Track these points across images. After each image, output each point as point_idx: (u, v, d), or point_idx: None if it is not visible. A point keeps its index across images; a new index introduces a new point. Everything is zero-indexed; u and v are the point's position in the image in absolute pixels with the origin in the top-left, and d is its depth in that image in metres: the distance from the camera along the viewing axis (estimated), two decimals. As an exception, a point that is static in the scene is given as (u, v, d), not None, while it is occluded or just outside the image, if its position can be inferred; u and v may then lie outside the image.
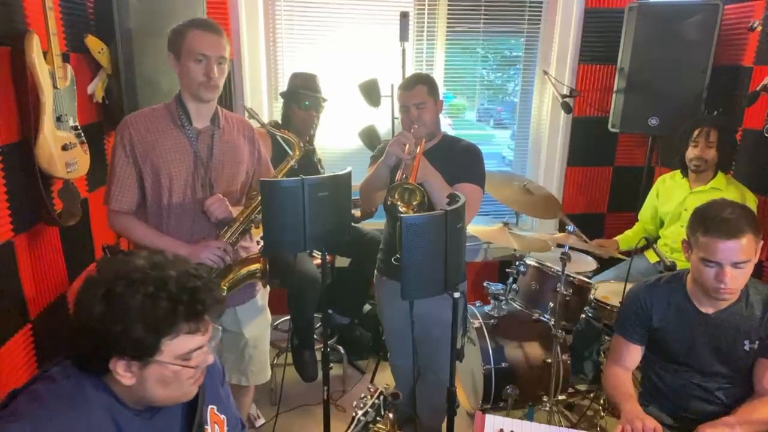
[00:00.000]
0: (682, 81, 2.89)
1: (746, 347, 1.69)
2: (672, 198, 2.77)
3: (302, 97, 2.67)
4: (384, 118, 3.04)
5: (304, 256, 2.67)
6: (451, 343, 1.65)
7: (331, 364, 2.01)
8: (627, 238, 2.99)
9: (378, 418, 1.43)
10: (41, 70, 1.75)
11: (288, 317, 2.88)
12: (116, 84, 2.30)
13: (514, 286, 2.72)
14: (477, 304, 2.87)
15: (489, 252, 3.58)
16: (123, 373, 1.02)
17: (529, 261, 2.67)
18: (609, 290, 2.60)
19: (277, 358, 2.96)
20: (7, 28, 1.73)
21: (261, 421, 2.64)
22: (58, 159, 1.84)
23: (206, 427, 1.20)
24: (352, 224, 2.60)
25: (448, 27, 3.24)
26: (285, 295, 2.66)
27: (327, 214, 1.74)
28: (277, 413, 2.37)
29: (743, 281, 1.64)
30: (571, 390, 2.74)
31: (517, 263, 2.71)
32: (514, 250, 2.73)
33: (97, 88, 2.31)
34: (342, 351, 3.04)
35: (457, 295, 1.58)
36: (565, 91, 3.15)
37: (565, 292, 2.39)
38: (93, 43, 2.24)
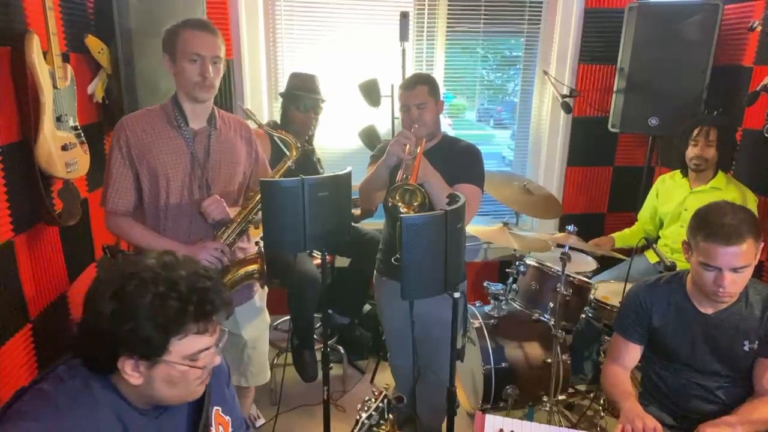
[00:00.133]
0: (682, 81, 2.89)
1: (746, 347, 1.69)
2: (672, 198, 2.77)
3: (300, 99, 2.67)
4: (384, 118, 3.04)
5: (304, 256, 2.67)
6: (450, 343, 1.65)
7: (331, 364, 2.01)
8: (624, 236, 2.99)
9: (381, 422, 1.43)
10: (41, 70, 1.75)
11: (288, 317, 2.88)
12: (116, 84, 2.30)
13: (514, 286, 2.72)
14: (477, 304, 2.87)
15: (489, 252, 3.58)
16: (131, 372, 1.02)
17: (529, 261, 2.67)
18: (609, 290, 2.61)
19: (277, 358, 2.96)
20: (7, 28, 1.73)
21: (261, 421, 2.64)
22: (58, 159, 1.84)
23: (211, 428, 1.20)
24: (352, 224, 2.60)
25: (448, 27, 3.24)
26: (285, 295, 2.66)
27: (327, 214, 1.74)
28: (277, 413, 2.37)
29: (742, 284, 1.64)
30: (571, 390, 2.74)
31: (517, 263, 2.71)
32: (514, 250, 2.72)
33: (97, 88, 2.31)
34: (342, 351, 3.04)
35: (457, 295, 1.58)
36: (565, 91, 3.15)
37: (565, 292, 2.39)
38: (93, 43, 2.24)
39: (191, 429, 1.17)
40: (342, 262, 3.06)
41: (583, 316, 2.60)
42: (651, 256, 2.83)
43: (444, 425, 2.02)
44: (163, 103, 1.83)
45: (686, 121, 2.70)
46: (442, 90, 2.44)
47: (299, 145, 2.01)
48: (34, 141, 1.77)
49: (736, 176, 2.72)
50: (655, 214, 2.90)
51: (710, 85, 2.84)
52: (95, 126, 2.37)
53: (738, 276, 1.59)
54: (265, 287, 2.07)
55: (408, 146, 1.84)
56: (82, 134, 1.99)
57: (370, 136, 3.01)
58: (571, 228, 2.46)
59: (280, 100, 2.81)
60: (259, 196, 1.83)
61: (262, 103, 3.13)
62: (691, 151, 2.61)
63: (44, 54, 1.79)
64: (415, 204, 1.74)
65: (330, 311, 2.78)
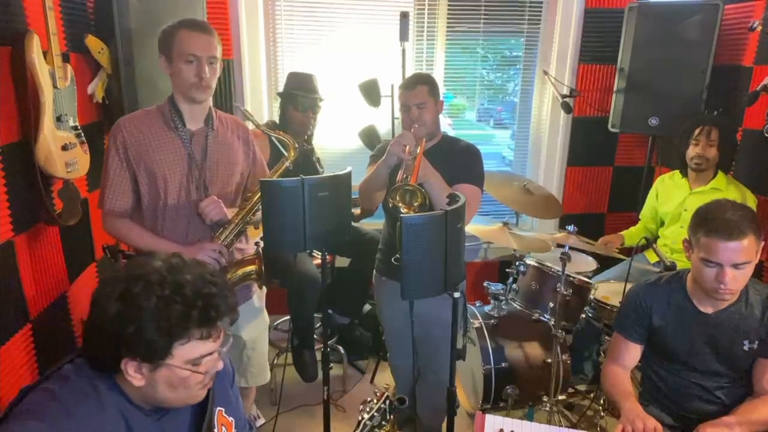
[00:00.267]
0: (682, 81, 2.89)
1: (745, 347, 1.69)
2: (671, 198, 2.77)
3: (298, 99, 2.66)
4: (384, 118, 3.04)
5: (304, 256, 2.67)
6: (450, 343, 1.65)
7: (331, 364, 2.01)
8: (632, 234, 2.98)
9: (383, 423, 1.43)
10: (41, 70, 1.75)
11: (288, 317, 2.88)
12: (116, 84, 2.30)
13: (514, 286, 2.72)
14: (477, 304, 2.87)
15: (489, 252, 3.58)
16: (133, 374, 1.03)
17: (529, 261, 2.67)
18: (609, 290, 2.60)
19: (277, 358, 2.96)
20: (7, 28, 1.73)
21: (261, 421, 2.64)
22: (58, 159, 1.84)
23: (214, 429, 1.20)
24: (352, 224, 2.60)
25: (448, 27, 3.24)
26: (285, 295, 2.66)
27: (327, 214, 1.74)
28: (277, 413, 2.37)
29: (743, 282, 1.64)
30: (571, 390, 2.74)
31: (517, 263, 2.71)
32: (514, 250, 2.72)
33: (97, 88, 2.31)
34: (342, 351, 3.04)
35: (456, 294, 1.58)
36: (565, 91, 3.15)
37: (565, 292, 2.39)
38: (93, 43, 2.24)
39: (195, 430, 1.18)
40: (342, 262, 3.06)
41: (583, 316, 2.60)
42: (651, 256, 2.83)
43: (444, 425, 2.02)
44: (159, 104, 1.82)
45: (686, 121, 2.70)
46: (442, 90, 2.44)
47: (297, 145, 2.01)
48: (34, 141, 1.77)
49: (736, 176, 2.72)
50: (655, 214, 2.90)
51: (710, 85, 2.84)
52: (95, 126, 2.37)
53: (739, 273, 1.59)
54: (264, 288, 2.07)
55: (408, 146, 1.84)
56: (82, 134, 1.99)
57: (370, 136, 3.01)
58: (570, 228, 2.46)
59: (279, 100, 2.81)
60: (257, 196, 1.83)
61: (262, 103, 3.13)
62: (692, 151, 2.61)
63: (44, 54, 1.78)
64: (415, 204, 1.74)
65: (330, 311, 2.78)
